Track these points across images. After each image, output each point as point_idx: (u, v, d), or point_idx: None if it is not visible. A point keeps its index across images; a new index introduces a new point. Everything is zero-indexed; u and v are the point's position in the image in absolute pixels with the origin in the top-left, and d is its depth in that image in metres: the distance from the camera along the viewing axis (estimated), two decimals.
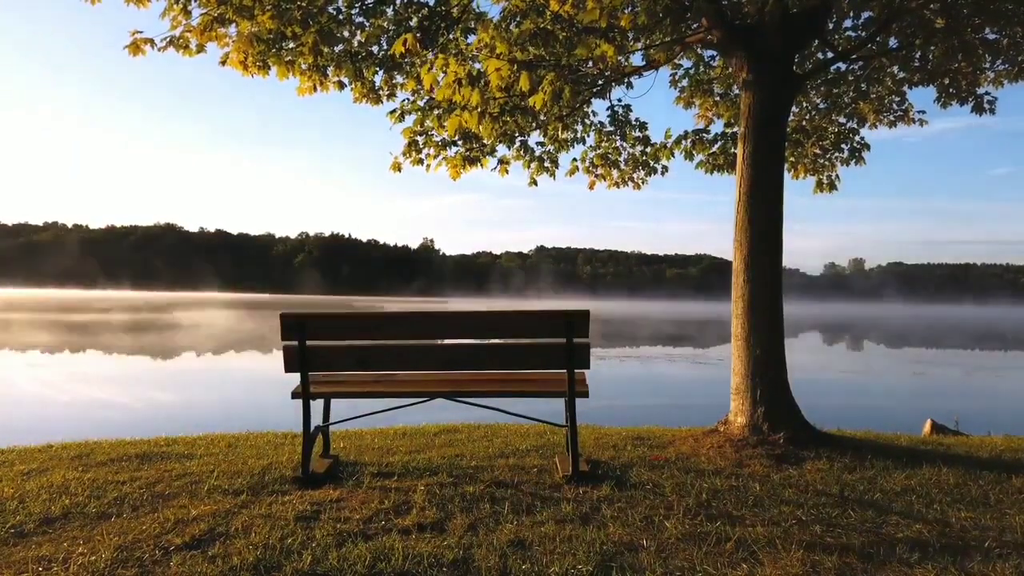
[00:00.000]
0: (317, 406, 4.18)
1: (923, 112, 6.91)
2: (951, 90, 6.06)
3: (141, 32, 4.93)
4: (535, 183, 7.10)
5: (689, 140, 7.11)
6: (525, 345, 4.08)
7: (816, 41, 5.82)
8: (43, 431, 6.40)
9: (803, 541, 2.94)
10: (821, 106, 7.05)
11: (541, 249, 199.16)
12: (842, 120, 7.05)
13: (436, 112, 6.25)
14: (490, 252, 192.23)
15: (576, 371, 3.92)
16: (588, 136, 7.08)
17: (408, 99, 6.40)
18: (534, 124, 6.61)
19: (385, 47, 5.65)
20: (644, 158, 7.35)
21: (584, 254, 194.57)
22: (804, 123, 7.15)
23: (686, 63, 6.91)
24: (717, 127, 7.17)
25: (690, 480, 3.88)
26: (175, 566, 2.64)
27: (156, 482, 3.82)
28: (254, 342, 25.82)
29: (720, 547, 2.87)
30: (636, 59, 6.41)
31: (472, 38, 5.73)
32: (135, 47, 4.95)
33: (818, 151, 7.16)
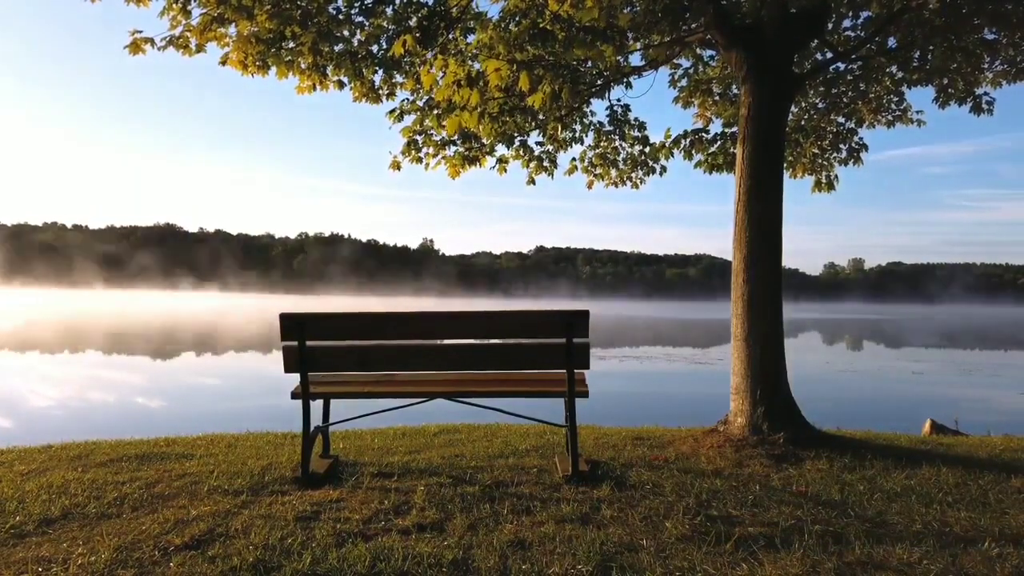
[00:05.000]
0: (317, 406, 4.18)
1: (921, 112, 6.94)
2: (949, 90, 6.07)
3: (141, 32, 4.94)
4: (533, 182, 7.11)
5: (688, 140, 7.11)
6: (525, 345, 4.08)
7: (815, 41, 5.82)
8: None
9: (803, 541, 2.94)
10: (820, 106, 7.06)
11: (541, 249, 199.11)
12: (841, 120, 7.05)
13: (435, 112, 6.25)
14: (490, 252, 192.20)
15: (576, 371, 3.92)
16: (587, 136, 7.09)
17: (407, 99, 6.40)
18: (533, 124, 6.62)
19: (385, 46, 5.65)
20: (643, 158, 7.36)
21: (584, 254, 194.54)
22: (803, 123, 7.15)
23: (685, 63, 6.91)
24: (716, 127, 7.18)
25: (690, 480, 3.88)
26: (175, 566, 2.63)
27: (156, 482, 3.82)
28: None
29: (720, 547, 2.87)
30: (635, 59, 6.42)
31: (472, 38, 5.73)
32: (135, 46, 4.95)
33: (817, 151, 7.17)
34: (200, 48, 5.16)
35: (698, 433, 5.06)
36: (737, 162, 5.19)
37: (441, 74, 5.27)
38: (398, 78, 6.11)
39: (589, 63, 5.98)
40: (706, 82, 7.00)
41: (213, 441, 5.16)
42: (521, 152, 6.88)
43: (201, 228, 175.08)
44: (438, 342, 4.16)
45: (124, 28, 5.08)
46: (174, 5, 5.00)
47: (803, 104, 7.10)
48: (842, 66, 6.36)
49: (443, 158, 6.57)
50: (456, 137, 6.43)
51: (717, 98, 7.11)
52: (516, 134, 6.61)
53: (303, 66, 5.42)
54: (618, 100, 6.89)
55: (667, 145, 7.20)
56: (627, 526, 3.11)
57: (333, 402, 4.38)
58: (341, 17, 5.39)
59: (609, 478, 3.90)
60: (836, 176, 7.31)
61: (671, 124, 7.65)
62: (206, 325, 37.30)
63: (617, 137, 7.21)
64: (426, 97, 6.27)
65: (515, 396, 4.07)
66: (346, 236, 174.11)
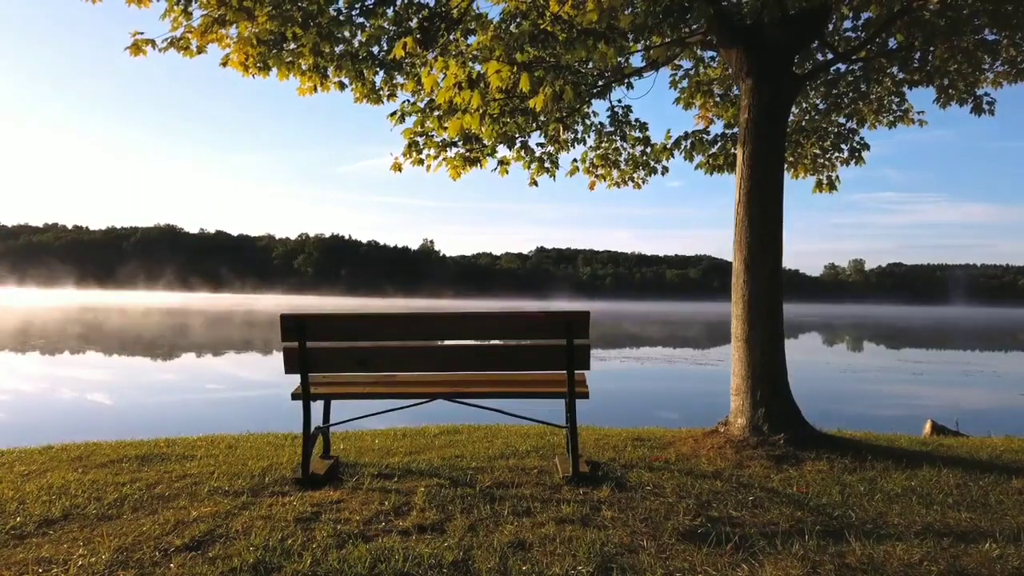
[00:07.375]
0: (317, 407, 4.18)
1: (922, 113, 6.93)
2: (950, 91, 6.07)
3: (142, 33, 4.95)
4: (535, 183, 7.09)
5: (688, 141, 7.11)
6: (525, 346, 4.08)
7: (816, 42, 5.82)
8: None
9: (803, 542, 2.94)
10: (821, 106, 7.05)
11: (541, 250, 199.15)
12: (842, 120, 7.05)
13: (436, 113, 6.25)
14: (490, 253, 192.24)
15: (576, 372, 3.92)
16: (588, 137, 7.08)
17: (409, 100, 6.40)
18: (534, 125, 6.61)
19: (385, 48, 5.65)
20: (644, 158, 7.35)
21: (584, 255, 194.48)
22: (804, 123, 7.15)
23: (686, 64, 6.91)
24: (717, 128, 7.18)
25: (690, 481, 3.88)
26: (175, 567, 2.63)
27: (156, 483, 3.82)
28: None
29: (720, 548, 2.87)
30: (636, 60, 6.42)
31: (472, 39, 5.72)
32: (136, 47, 4.95)
33: (818, 151, 7.17)
34: (201, 49, 5.16)
35: (698, 434, 5.06)
36: (738, 163, 5.19)
37: (442, 76, 5.27)
38: (399, 79, 6.11)
39: (590, 64, 5.98)
40: (707, 83, 7.00)
41: (213, 442, 5.16)
42: (522, 153, 6.88)
43: (202, 229, 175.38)
44: (439, 343, 4.16)
45: (126, 27, 5.09)
46: (175, 7, 5.00)
47: (804, 105, 7.09)
48: (843, 67, 6.36)
49: (444, 159, 6.57)
50: (457, 138, 6.42)
51: (718, 99, 7.10)
52: (517, 135, 6.61)
53: (304, 67, 5.42)
54: (619, 101, 6.89)
55: (668, 146, 7.20)
56: (627, 527, 3.11)
57: (333, 403, 4.38)
58: (342, 18, 5.39)
59: (609, 479, 3.90)
60: (837, 177, 7.31)
61: (672, 125, 7.65)
62: (207, 324, 37.32)
63: (618, 138, 7.20)
64: (427, 99, 6.27)
65: (515, 397, 4.07)
66: (347, 237, 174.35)
